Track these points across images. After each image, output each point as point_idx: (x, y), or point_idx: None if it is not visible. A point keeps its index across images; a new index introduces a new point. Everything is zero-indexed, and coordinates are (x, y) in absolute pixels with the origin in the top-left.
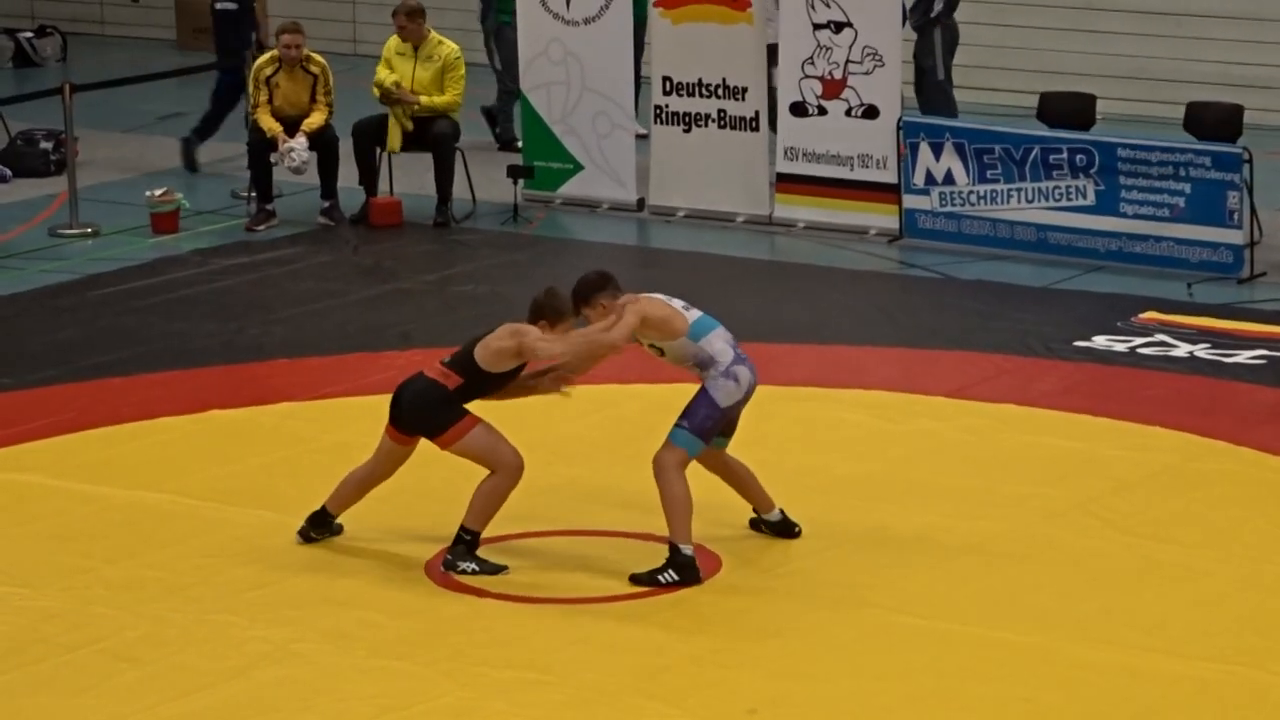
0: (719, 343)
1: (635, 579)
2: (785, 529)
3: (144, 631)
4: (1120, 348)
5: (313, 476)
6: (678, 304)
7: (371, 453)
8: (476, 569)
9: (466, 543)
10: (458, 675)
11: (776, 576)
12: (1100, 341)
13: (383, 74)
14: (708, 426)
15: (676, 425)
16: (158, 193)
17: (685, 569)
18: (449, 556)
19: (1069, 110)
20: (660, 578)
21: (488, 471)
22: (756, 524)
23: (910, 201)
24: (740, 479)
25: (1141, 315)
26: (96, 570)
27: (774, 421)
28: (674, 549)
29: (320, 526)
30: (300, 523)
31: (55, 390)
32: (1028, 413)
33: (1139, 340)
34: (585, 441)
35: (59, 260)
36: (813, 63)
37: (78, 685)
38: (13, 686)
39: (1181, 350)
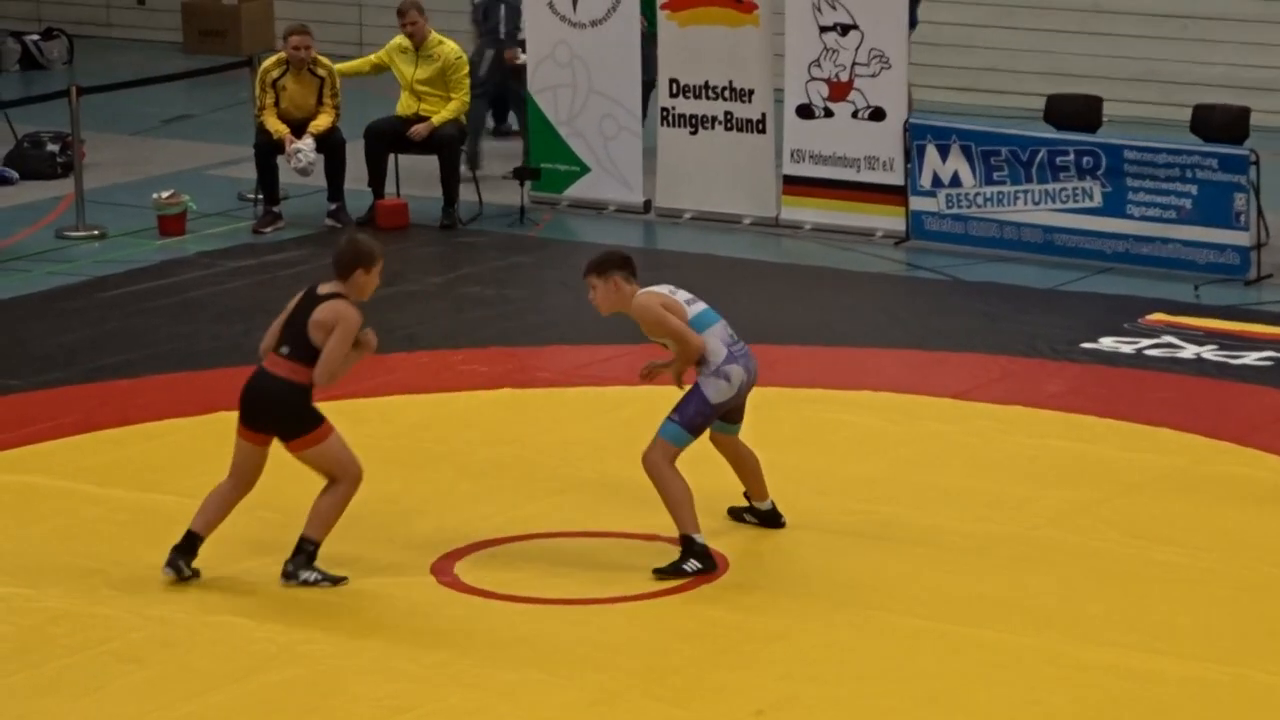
0: (714, 340)
1: (659, 573)
2: (773, 519)
3: (150, 633)
4: (1127, 349)
5: (317, 478)
6: (683, 295)
7: (234, 466)
8: (319, 578)
9: (308, 554)
10: (464, 676)
11: (783, 578)
12: (1107, 343)
13: (360, 63)
14: (698, 422)
15: (667, 419)
16: (164, 195)
17: (704, 557)
18: (289, 567)
19: (1076, 112)
20: (685, 568)
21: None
22: (739, 513)
23: (917, 203)
24: (747, 466)
25: (1148, 317)
26: (103, 572)
27: (780, 423)
28: (687, 540)
29: (190, 553)
30: (298, 523)
31: (62, 392)
32: (1034, 414)
33: (1146, 342)
34: (591, 444)
35: (66, 263)
36: (819, 65)
37: (85, 687)
38: (19, 688)
39: (1188, 352)
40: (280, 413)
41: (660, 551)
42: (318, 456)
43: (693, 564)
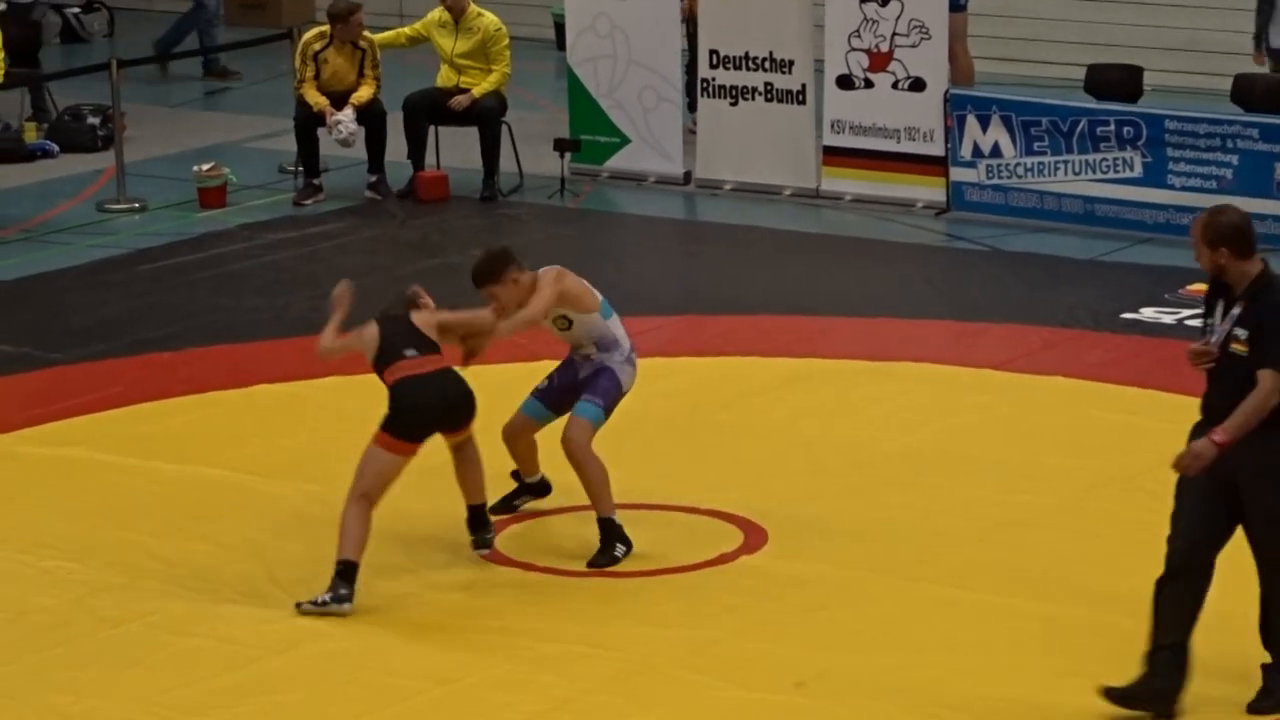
0: (620, 329)
1: (592, 565)
2: (544, 487)
3: (191, 605)
4: (1168, 320)
5: (359, 451)
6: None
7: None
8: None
9: (487, 523)
10: (506, 648)
11: (822, 550)
12: (1148, 313)
13: (395, 35)
14: (611, 404)
15: (587, 401)
16: (205, 168)
17: (624, 537)
18: (488, 537)
19: (1116, 82)
20: (615, 554)
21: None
22: (510, 502)
23: (957, 174)
24: (530, 448)
25: (1189, 287)
26: (144, 544)
27: (820, 394)
28: (608, 523)
29: (354, 581)
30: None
31: (103, 365)
32: (1075, 385)
33: (1187, 312)
34: (631, 415)
35: (107, 235)
36: (859, 36)
37: (126, 659)
38: (61, 660)
39: None
40: (474, 400)
41: (699, 524)
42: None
43: (619, 548)
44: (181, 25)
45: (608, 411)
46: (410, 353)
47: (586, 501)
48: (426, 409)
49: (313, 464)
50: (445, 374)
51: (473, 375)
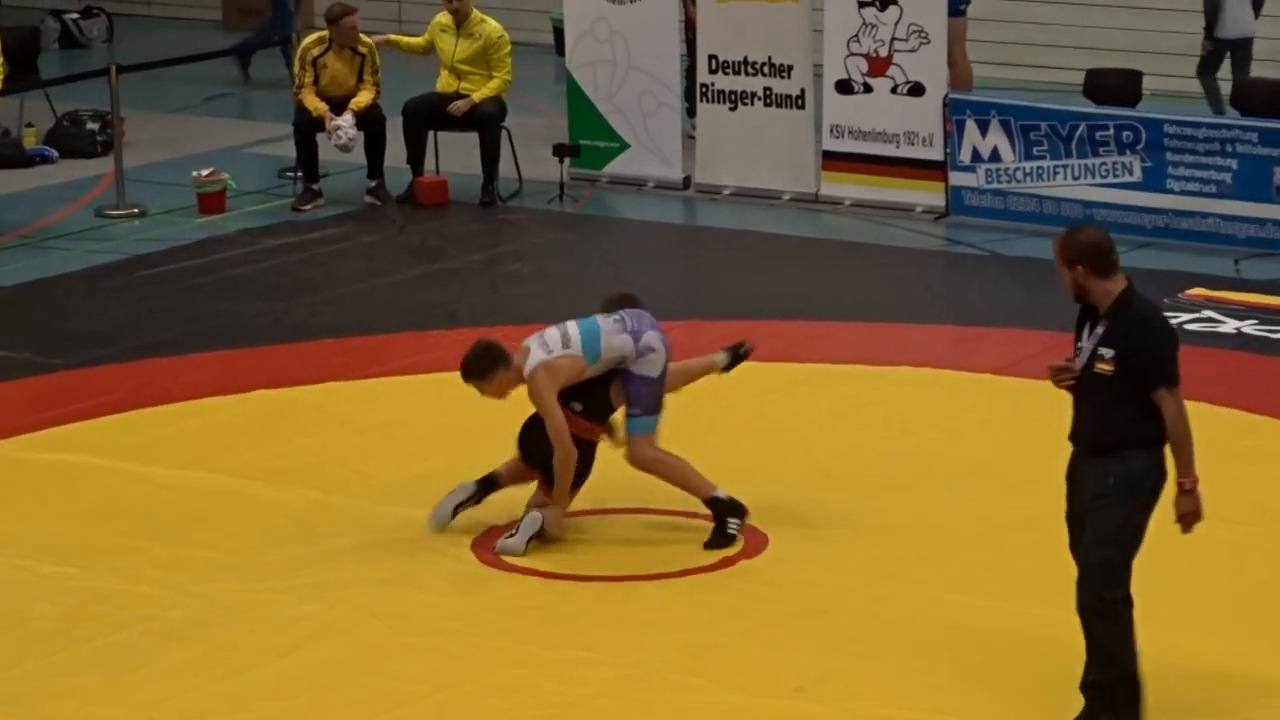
0: (614, 339)
1: (709, 545)
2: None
3: (192, 611)
4: None
5: (360, 456)
6: (553, 335)
7: None
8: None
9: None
10: (507, 654)
11: (823, 553)
12: None
13: (412, 41)
14: (654, 401)
15: (629, 416)
16: (204, 173)
17: (735, 506)
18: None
19: (1115, 86)
20: (728, 531)
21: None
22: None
23: (956, 178)
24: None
25: (1188, 291)
26: (145, 550)
27: (820, 399)
28: (713, 502)
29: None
30: (348, 501)
31: (103, 370)
32: None
33: (1186, 316)
34: None
35: (106, 241)
36: (858, 40)
37: (127, 664)
38: (63, 665)
39: (1229, 326)
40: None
41: (701, 528)
42: None
43: (732, 522)
44: (267, 28)
45: (651, 409)
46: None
47: (584, 507)
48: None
49: (312, 469)
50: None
51: None
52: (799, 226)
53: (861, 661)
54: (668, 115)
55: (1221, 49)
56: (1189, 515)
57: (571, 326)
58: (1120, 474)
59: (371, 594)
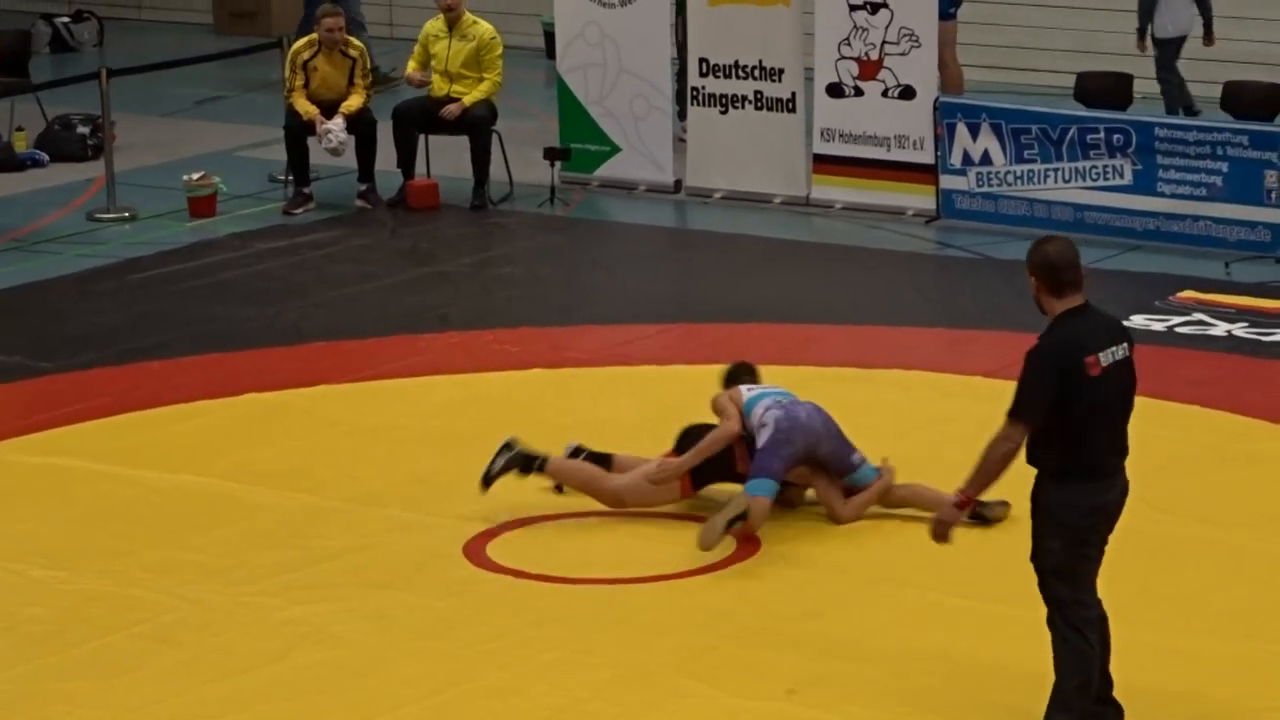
0: (754, 417)
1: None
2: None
3: (183, 614)
4: (1158, 327)
5: (351, 459)
6: (749, 391)
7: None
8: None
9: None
10: (499, 656)
11: (815, 557)
12: (1138, 321)
13: (413, 67)
14: (775, 467)
15: (751, 480)
16: (195, 177)
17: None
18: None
19: (1106, 90)
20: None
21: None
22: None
23: (947, 182)
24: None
25: (1179, 294)
26: (136, 553)
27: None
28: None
29: (527, 466)
30: (339, 504)
31: (94, 374)
32: None
33: (1177, 319)
34: (623, 423)
35: (97, 245)
36: (849, 44)
37: (119, 668)
38: (55, 669)
39: (1220, 329)
40: None
41: (690, 531)
42: None
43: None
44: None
45: (773, 475)
46: None
47: (581, 508)
48: None
49: (303, 473)
50: None
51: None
52: (790, 230)
53: (854, 664)
54: (659, 119)
55: (1165, 49)
56: (940, 524)
57: (757, 387)
58: (1034, 498)
59: (364, 597)
